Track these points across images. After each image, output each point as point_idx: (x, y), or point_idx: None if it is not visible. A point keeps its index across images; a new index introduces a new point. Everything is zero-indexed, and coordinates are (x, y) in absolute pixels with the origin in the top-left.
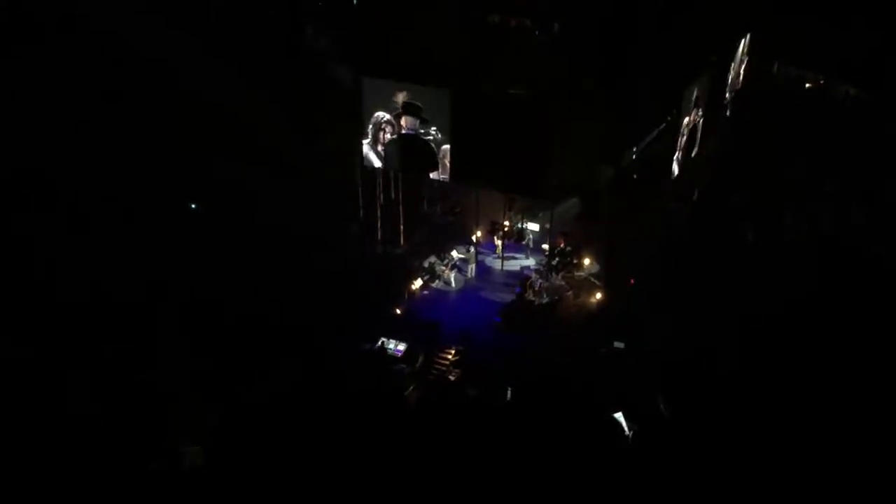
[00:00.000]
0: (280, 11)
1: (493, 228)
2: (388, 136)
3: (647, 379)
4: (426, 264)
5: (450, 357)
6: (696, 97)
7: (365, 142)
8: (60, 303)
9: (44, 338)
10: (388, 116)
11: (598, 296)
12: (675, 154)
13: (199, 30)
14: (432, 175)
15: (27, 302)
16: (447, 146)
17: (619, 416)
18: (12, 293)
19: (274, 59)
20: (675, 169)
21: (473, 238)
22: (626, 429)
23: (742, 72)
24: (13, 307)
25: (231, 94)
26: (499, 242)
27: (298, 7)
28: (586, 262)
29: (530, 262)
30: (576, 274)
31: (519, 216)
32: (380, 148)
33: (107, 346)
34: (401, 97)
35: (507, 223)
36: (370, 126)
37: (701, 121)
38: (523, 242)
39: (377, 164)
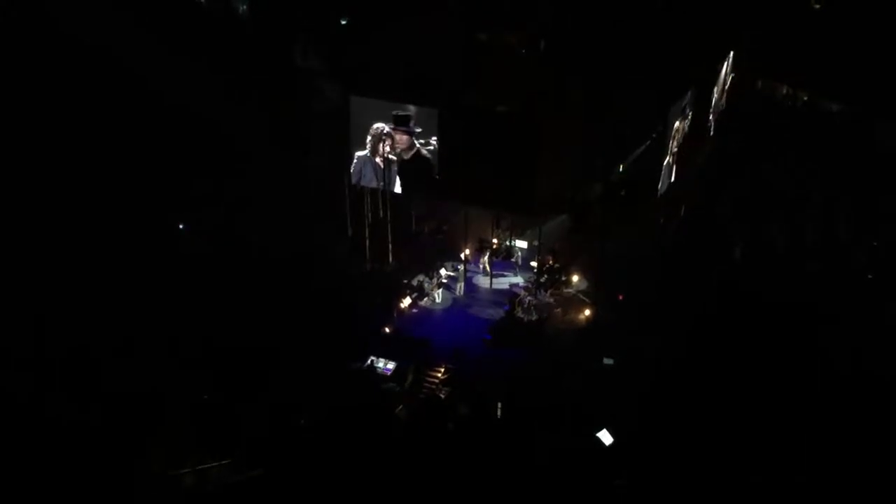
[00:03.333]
0: (270, 29)
1: (482, 246)
2: (387, 147)
3: (636, 395)
4: (415, 282)
5: (439, 375)
6: (683, 113)
7: (360, 154)
8: (42, 321)
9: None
10: (387, 128)
11: (587, 312)
12: (662, 170)
13: (187, 45)
14: None
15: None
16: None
17: (603, 434)
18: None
19: (263, 77)
20: (663, 185)
21: (462, 256)
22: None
23: (726, 88)
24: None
25: (219, 111)
26: (484, 260)
27: (288, 25)
28: (575, 278)
29: (519, 279)
30: (564, 291)
31: (507, 233)
32: (378, 160)
33: (90, 363)
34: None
35: (495, 241)
36: (369, 138)
37: (687, 137)
38: (512, 260)
39: (373, 183)
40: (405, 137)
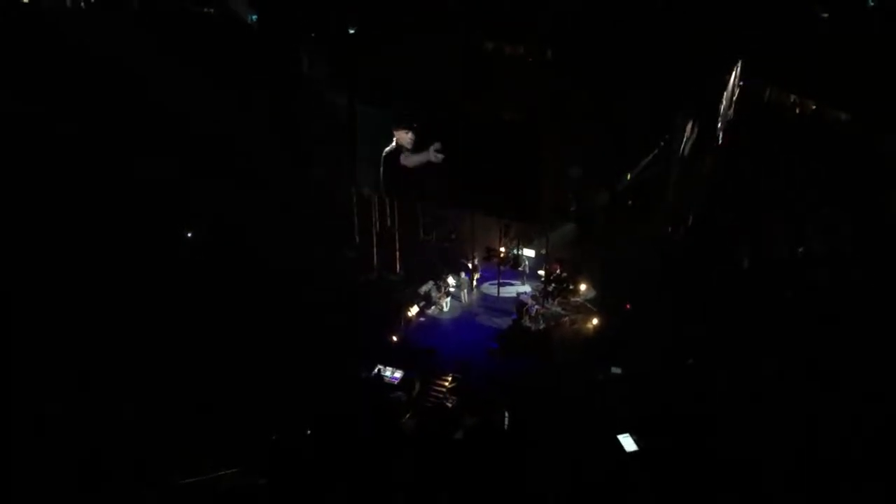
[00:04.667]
0: (277, 37)
1: (489, 255)
2: None
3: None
4: (422, 291)
5: (447, 384)
6: (690, 122)
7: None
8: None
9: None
10: None
11: (595, 321)
12: (669, 179)
13: (195, 57)
14: None
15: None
16: None
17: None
18: None
19: (270, 86)
20: (670, 194)
21: (469, 265)
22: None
23: (734, 97)
24: None
25: (227, 121)
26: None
27: (295, 35)
28: (582, 287)
29: (526, 288)
30: (572, 299)
31: (515, 242)
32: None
33: (91, 377)
34: None
35: (503, 249)
36: None
37: (694, 146)
38: (519, 269)
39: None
40: (409, 136)
